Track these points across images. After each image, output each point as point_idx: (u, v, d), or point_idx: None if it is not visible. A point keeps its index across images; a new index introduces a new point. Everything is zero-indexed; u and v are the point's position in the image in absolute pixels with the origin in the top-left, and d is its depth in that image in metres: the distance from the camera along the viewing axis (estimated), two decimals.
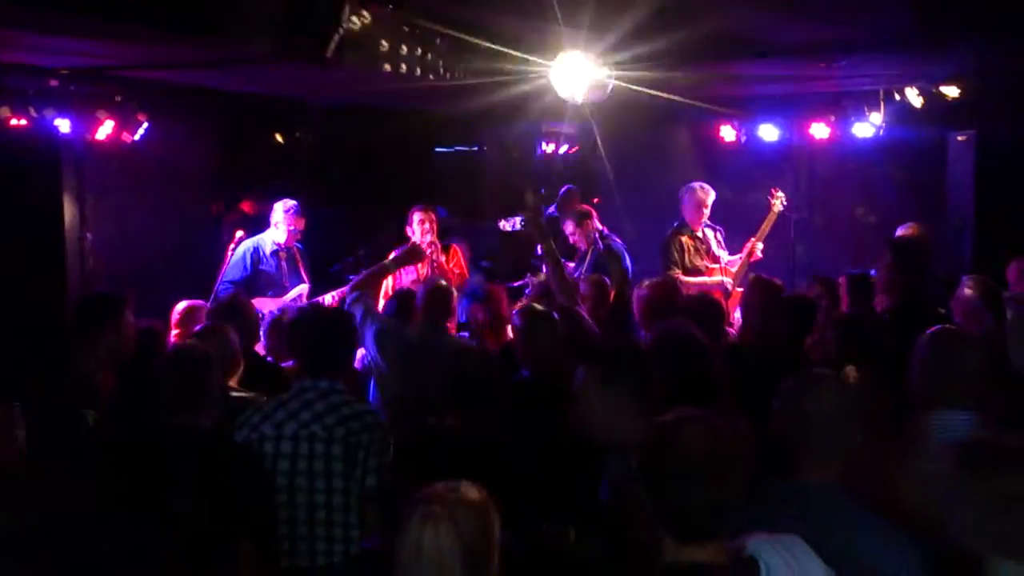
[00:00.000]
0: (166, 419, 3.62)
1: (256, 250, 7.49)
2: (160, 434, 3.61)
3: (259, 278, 7.43)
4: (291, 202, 7.59)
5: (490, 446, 3.61)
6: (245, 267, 7.41)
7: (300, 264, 7.64)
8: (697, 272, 7.66)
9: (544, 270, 7.44)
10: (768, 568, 2.22)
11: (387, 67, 5.69)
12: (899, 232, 7.53)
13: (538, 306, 4.84)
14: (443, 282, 5.93)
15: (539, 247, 6.34)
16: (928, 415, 3.32)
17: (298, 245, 7.70)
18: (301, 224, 7.59)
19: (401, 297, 5.93)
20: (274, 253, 7.54)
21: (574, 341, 4.54)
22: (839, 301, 5.72)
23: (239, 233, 7.57)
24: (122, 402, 4.39)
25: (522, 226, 7.06)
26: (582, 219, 7.79)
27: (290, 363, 5.49)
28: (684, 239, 7.80)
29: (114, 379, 4.49)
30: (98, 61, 6.34)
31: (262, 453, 3.74)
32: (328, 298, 7.47)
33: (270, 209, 7.63)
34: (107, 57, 6.14)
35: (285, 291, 7.50)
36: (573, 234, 7.79)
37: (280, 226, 7.54)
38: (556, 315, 4.66)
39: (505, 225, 8.85)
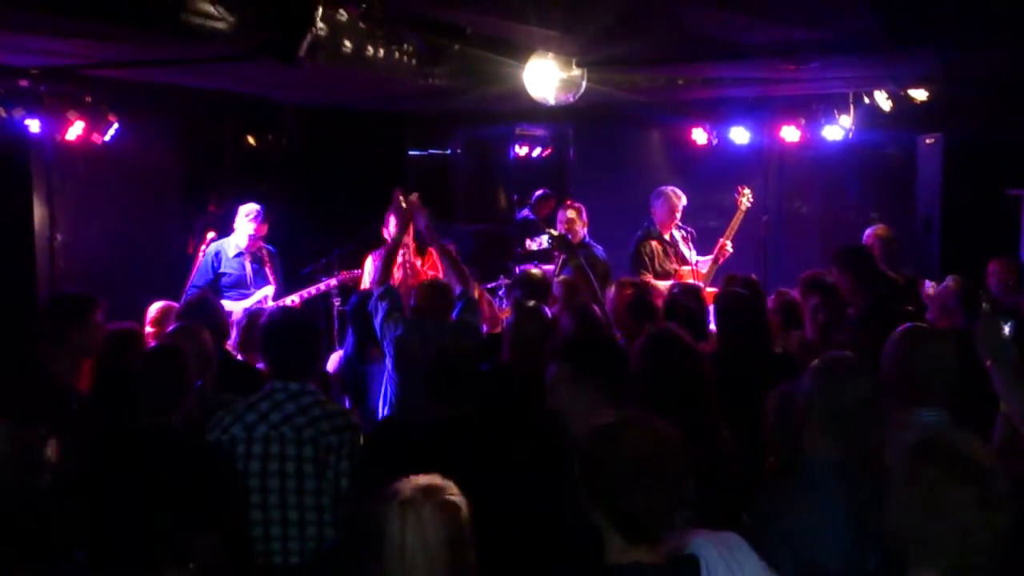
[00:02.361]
0: (142, 418, 3.62)
1: (217, 254, 7.47)
2: (137, 433, 3.61)
3: (221, 281, 7.41)
4: (253, 207, 7.54)
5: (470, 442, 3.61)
6: (207, 271, 7.41)
7: (268, 266, 7.59)
8: (667, 276, 7.69)
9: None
10: (708, 566, 2.23)
11: (359, 67, 5.69)
12: (867, 233, 7.62)
13: (530, 302, 4.90)
14: (440, 279, 5.96)
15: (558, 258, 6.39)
16: (901, 412, 3.31)
17: (269, 247, 7.67)
18: (263, 230, 7.55)
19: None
20: (237, 256, 7.51)
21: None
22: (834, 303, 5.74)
23: (210, 234, 7.55)
24: (98, 402, 4.38)
25: (549, 244, 7.08)
26: (576, 214, 7.72)
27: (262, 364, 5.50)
28: (653, 243, 7.83)
29: (87, 380, 4.48)
30: (69, 60, 6.28)
31: (233, 455, 3.74)
32: (289, 301, 7.45)
33: (234, 209, 7.61)
34: (78, 56, 6.09)
35: (250, 293, 7.46)
36: (563, 223, 7.69)
37: (241, 231, 7.52)
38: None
39: (531, 244, 8.88)
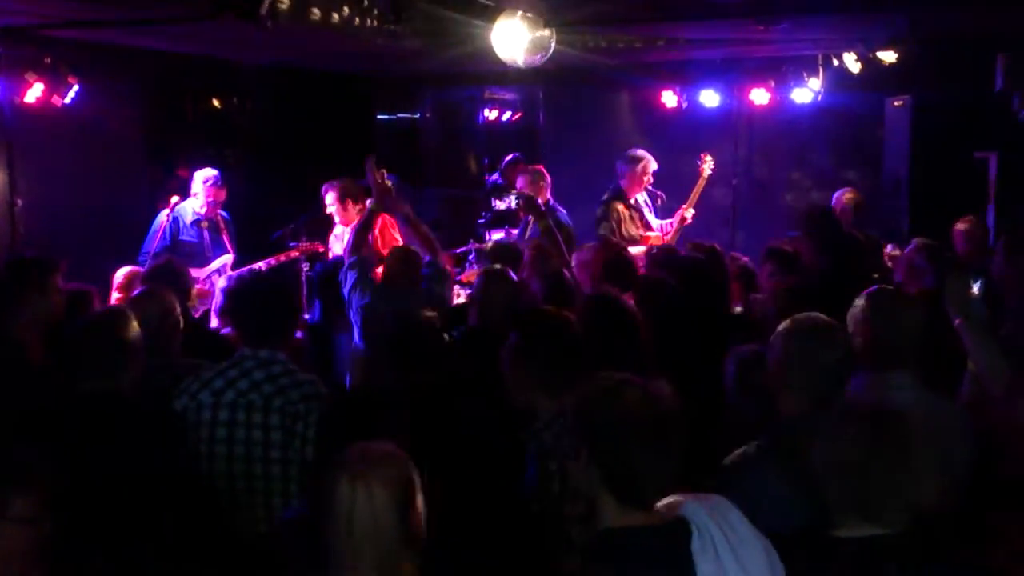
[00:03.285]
0: (82, 384, 3.53)
1: (175, 220, 7.36)
2: (75, 401, 3.52)
3: (179, 248, 7.26)
4: (211, 172, 7.47)
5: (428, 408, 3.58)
6: (164, 237, 7.28)
7: (224, 234, 7.52)
8: (632, 241, 7.66)
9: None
10: (699, 528, 2.22)
11: (322, 26, 5.58)
12: (835, 196, 7.64)
13: (496, 266, 4.86)
14: (410, 248, 5.80)
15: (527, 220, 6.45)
16: (870, 376, 3.31)
17: (224, 214, 7.58)
18: (222, 195, 7.48)
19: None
20: (195, 223, 7.41)
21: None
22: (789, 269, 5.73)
23: (174, 199, 7.44)
24: (50, 368, 4.28)
25: (516, 205, 7.00)
26: (537, 178, 7.61)
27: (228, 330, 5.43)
28: (620, 208, 7.78)
29: (42, 345, 4.38)
30: (26, 20, 6.14)
31: (200, 421, 3.68)
32: (259, 267, 7.37)
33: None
34: (35, 15, 5.96)
35: (208, 261, 7.37)
36: (523, 188, 7.52)
37: (200, 196, 7.42)
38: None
39: (499, 204, 8.80)
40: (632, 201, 7.84)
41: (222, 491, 3.66)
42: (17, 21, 6.21)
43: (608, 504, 2.27)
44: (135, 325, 3.66)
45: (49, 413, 3.51)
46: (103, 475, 3.22)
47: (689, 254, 5.74)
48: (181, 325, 4.40)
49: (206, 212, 7.42)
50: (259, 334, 3.81)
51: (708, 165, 8.06)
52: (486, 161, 12.05)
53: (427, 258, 5.62)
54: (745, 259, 6.19)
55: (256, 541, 3.62)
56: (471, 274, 7.17)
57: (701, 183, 7.99)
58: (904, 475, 2.35)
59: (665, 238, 7.81)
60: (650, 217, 7.90)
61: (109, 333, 3.58)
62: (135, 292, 4.78)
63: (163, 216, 7.33)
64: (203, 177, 7.44)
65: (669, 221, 7.91)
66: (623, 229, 7.73)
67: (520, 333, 3.35)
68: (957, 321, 3.59)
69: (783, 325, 3.12)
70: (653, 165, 7.84)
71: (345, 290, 5.41)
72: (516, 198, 6.78)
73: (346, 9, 5.49)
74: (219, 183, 7.43)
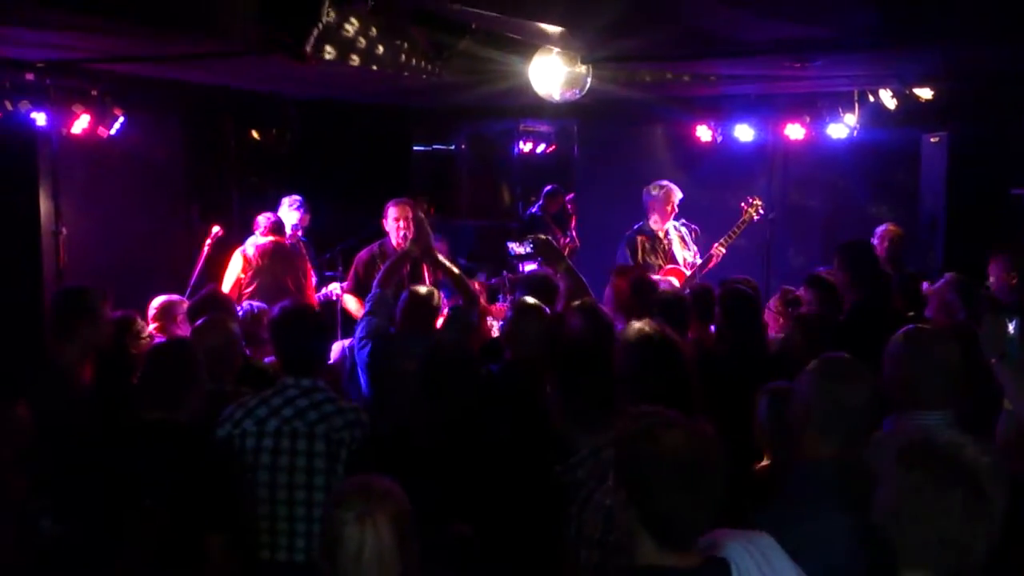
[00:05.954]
0: (143, 413, 3.62)
1: None
2: (136, 428, 3.61)
3: None
4: (296, 197, 7.99)
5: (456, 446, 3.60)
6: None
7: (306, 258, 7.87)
8: (649, 270, 7.67)
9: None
10: (739, 570, 2.21)
11: (365, 63, 5.70)
12: (877, 232, 7.60)
13: (529, 299, 4.88)
14: (421, 288, 5.51)
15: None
16: (905, 415, 3.28)
17: (302, 238, 7.85)
18: (307, 220, 8.01)
19: None
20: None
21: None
22: (828, 302, 5.71)
23: (215, 229, 7.57)
24: (97, 395, 4.38)
25: (534, 249, 6.95)
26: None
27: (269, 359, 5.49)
28: (641, 239, 7.80)
29: (91, 372, 4.48)
30: (75, 54, 6.30)
31: (243, 449, 3.75)
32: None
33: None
34: (84, 50, 6.11)
35: None
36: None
37: (285, 222, 7.76)
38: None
39: (518, 248, 8.80)
40: (661, 233, 7.84)
41: (263, 518, 3.71)
42: (66, 55, 6.36)
43: (645, 542, 2.26)
44: (200, 358, 3.76)
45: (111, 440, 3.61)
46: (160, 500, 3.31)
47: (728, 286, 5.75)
48: (240, 354, 4.49)
49: (289, 236, 7.76)
50: (299, 363, 3.89)
51: (755, 209, 7.97)
52: (519, 191, 12.14)
53: (447, 301, 5.52)
54: (799, 291, 6.16)
55: (297, 570, 3.67)
56: (502, 308, 7.17)
57: (742, 225, 7.94)
58: (980, 521, 2.20)
59: (685, 272, 7.76)
60: (678, 250, 7.88)
61: (175, 365, 3.69)
62: (179, 321, 4.86)
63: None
64: (288, 202, 7.93)
65: (695, 252, 7.88)
66: (640, 257, 7.73)
67: (557, 368, 3.37)
68: (993, 360, 3.57)
69: (810, 365, 3.06)
70: (676, 195, 7.82)
71: (359, 327, 5.28)
72: (532, 242, 6.73)
73: (389, 48, 5.59)
74: (304, 207, 7.96)
